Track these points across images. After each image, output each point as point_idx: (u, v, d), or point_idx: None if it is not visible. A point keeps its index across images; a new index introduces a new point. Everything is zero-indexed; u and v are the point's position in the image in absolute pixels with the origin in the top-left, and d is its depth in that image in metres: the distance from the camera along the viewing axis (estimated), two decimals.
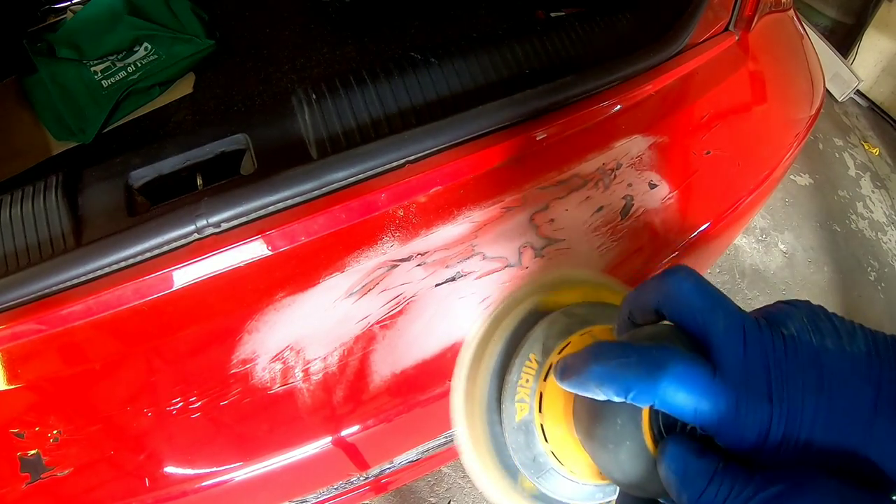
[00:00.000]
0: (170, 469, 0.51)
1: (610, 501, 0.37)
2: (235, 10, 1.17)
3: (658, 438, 0.26)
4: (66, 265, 0.50)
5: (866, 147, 2.12)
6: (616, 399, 0.25)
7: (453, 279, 0.56)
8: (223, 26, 1.10)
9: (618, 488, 0.33)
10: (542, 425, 0.34)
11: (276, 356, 0.52)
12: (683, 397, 0.24)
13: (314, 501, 0.77)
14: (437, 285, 0.55)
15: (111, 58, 1.00)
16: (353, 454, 0.59)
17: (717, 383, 0.24)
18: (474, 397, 0.39)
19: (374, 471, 0.77)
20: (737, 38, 0.70)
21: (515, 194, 0.58)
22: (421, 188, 0.56)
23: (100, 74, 0.99)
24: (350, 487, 0.79)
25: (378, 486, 0.85)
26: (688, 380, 0.24)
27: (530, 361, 0.37)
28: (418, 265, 0.55)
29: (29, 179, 0.59)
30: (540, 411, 0.35)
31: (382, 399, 0.55)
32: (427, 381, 0.56)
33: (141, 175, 0.61)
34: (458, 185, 0.57)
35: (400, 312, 0.55)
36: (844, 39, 2.13)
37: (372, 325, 0.54)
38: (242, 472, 0.53)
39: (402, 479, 0.92)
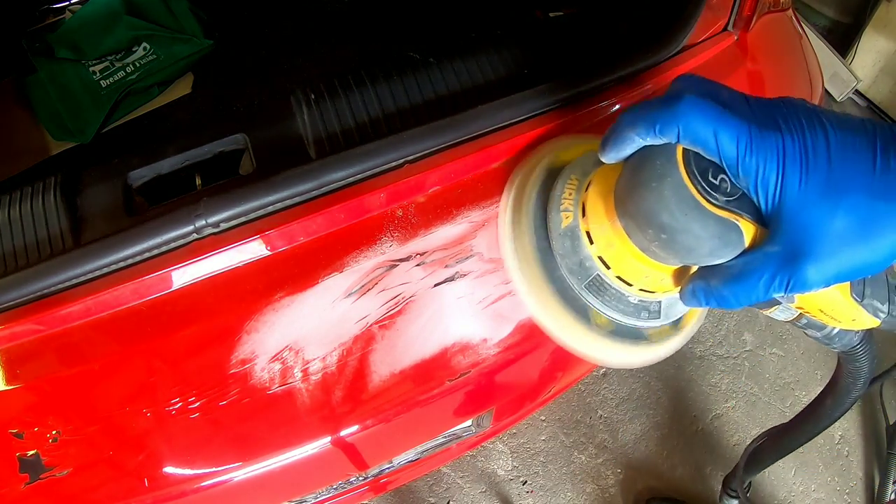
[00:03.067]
0: (169, 469, 0.51)
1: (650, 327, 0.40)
2: (235, 10, 1.17)
3: (692, 175, 0.29)
4: (65, 265, 0.50)
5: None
6: (648, 139, 0.30)
7: (452, 279, 0.56)
8: (222, 26, 1.10)
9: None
10: (587, 231, 0.37)
11: (275, 356, 0.52)
12: (702, 124, 0.27)
13: (313, 501, 0.77)
14: (435, 285, 0.55)
15: (110, 58, 1.00)
16: (353, 454, 0.59)
17: (730, 116, 0.27)
18: (521, 217, 0.42)
19: (373, 471, 0.77)
20: (735, 38, 0.70)
21: None
22: (420, 188, 0.56)
23: (98, 74, 0.99)
24: (349, 487, 0.79)
25: (377, 486, 0.85)
26: (703, 107, 0.28)
27: (571, 181, 0.40)
28: (417, 265, 0.55)
29: (28, 180, 0.59)
30: (584, 216, 0.37)
31: (381, 399, 0.55)
32: (426, 380, 0.56)
33: (140, 175, 0.61)
34: (457, 185, 0.57)
35: (399, 312, 0.55)
36: (843, 39, 2.13)
37: (371, 325, 0.54)
38: (241, 473, 0.53)
39: (401, 479, 0.92)
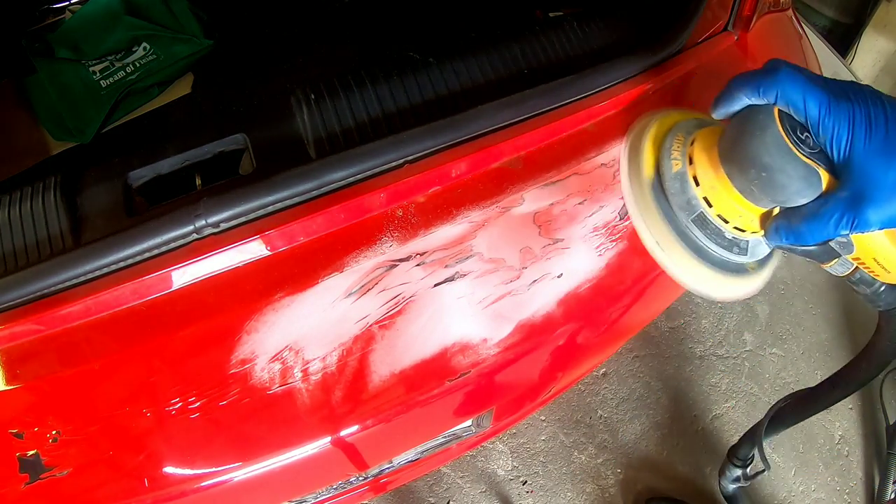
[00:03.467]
0: (169, 469, 0.51)
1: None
2: (234, 9, 1.16)
3: (787, 130, 0.38)
4: (65, 265, 0.50)
5: None
6: (752, 99, 0.39)
7: (452, 279, 0.56)
8: (222, 26, 1.10)
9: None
10: (694, 176, 0.46)
11: (274, 356, 0.52)
12: (795, 91, 0.37)
13: (313, 501, 0.77)
14: (435, 285, 0.55)
15: (110, 58, 1.00)
16: (352, 454, 0.59)
17: (814, 86, 0.37)
18: (638, 163, 0.51)
19: (373, 471, 0.77)
20: (735, 38, 0.70)
21: (514, 194, 0.58)
22: (420, 188, 0.56)
23: (98, 74, 0.99)
24: (349, 487, 0.79)
25: (377, 486, 0.85)
26: (796, 77, 0.37)
27: (678, 137, 0.49)
28: (417, 265, 0.55)
29: (27, 180, 0.59)
30: (691, 164, 0.47)
31: (381, 399, 0.55)
32: (426, 381, 0.56)
33: (139, 175, 0.61)
34: (457, 185, 0.57)
35: (399, 312, 0.55)
36: (843, 39, 2.13)
37: (371, 325, 0.54)
38: (241, 473, 0.53)
39: (401, 479, 0.92)
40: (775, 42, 0.78)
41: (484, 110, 0.57)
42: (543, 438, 1.44)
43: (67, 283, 0.51)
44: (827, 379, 0.82)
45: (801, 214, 0.39)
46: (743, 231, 0.46)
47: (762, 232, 0.45)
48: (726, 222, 0.45)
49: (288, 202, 0.54)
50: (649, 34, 0.67)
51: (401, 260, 0.55)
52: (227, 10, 1.16)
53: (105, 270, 0.51)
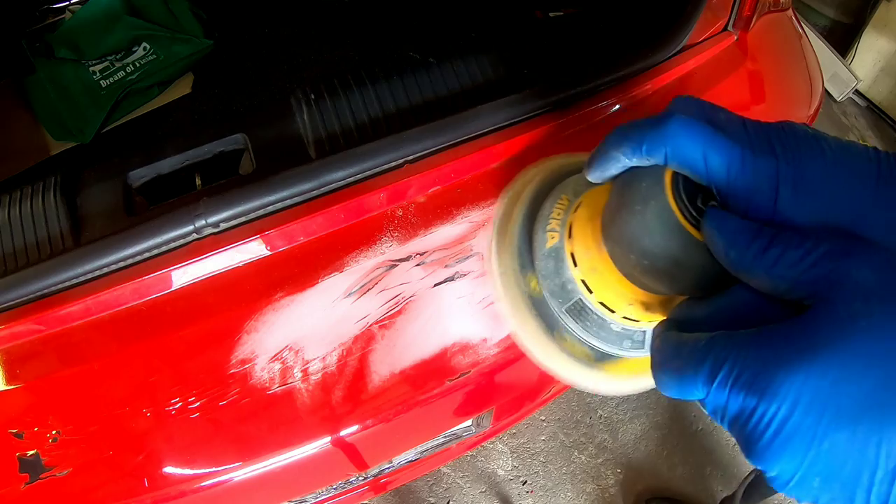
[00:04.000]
0: (169, 469, 0.51)
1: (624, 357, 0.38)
2: (234, 9, 1.17)
3: (679, 201, 0.27)
4: (65, 265, 0.50)
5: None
6: (634, 160, 0.28)
7: (452, 279, 0.56)
8: (222, 26, 1.10)
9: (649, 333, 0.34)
10: (571, 253, 0.36)
11: (274, 356, 0.52)
12: (691, 145, 0.26)
13: (313, 501, 0.77)
14: (435, 285, 0.55)
15: (110, 58, 1.00)
16: (353, 454, 0.59)
17: (722, 138, 0.25)
18: (506, 236, 0.41)
19: (373, 471, 0.77)
20: (735, 37, 0.70)
21: None
22: (419, 188, 0.56)
23: (98, 74, 0.99)
24: (349, 487, 0.79)
25: (377, 486, 0.85)
26: (693, 127, 0.26)
27: (561, 200, 0.39)
28: (417, 265, 0.55)
29: (28, 180, 0.59)
30: (570, 237, 0.36)
31: (381, 399, 0.55)
32: (426, 380, 0.56)
33: (140, 175, 0.61)
34: (457, 185, 0.57)
35: (399, 312, 0.55)
36: (843, 39, 2.13)
37: (371, 325, 0.54)
38: (241, 473, 0.53)
39: (401, 479, 0.92)
40: (775, 42, 0.78)
41: (484, 110, 0.57)
42: (543, 438, 1.44)
43: (67, 283, 0.51)
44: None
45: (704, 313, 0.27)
46: (636, 321, 0.35)
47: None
48: (612, 312, 0.35)
49: (288, 202, 0.54)
50: (649, 34, 0.67)
51: (401, 260, 0.55)
52: (227, 10, 1.16)
53: (105, 270, 0.51)
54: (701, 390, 0.24)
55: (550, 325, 0.38)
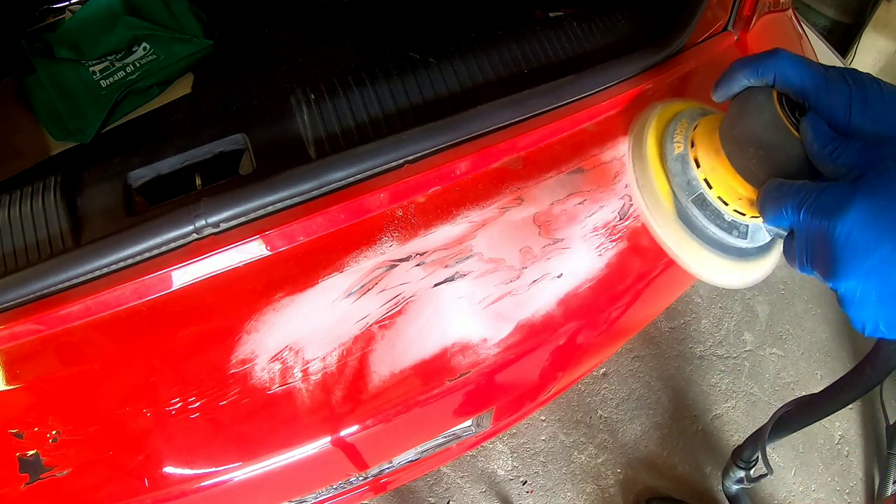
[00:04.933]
0: (169, 469, 0.51)
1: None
2: (234, 10, 1.17)
3: (785, 111, 0.39)
4: (65, 265, 0.50)
5: None
6: (752, 81, 0.40)
7: (452, 279, 0.56)
8: (222, 26, 1.10)
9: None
10: (695, 158, 0.47)
11: (274, 356, 0.52)
12: (793, 71, 0.38)
13: (313, 501, 0.78)
14: (435, 285, 0.55)
15: (110, 58, 1.00)
16: (353, 454, 0.59)
17: (812, 68, 0.38)
18: (641, 147, 0.52)
19: (373, 471, 0.77)
20: (735, 38, 0.70)
21: (514, 194, 0.58)
22: (420, 188, 0.56)
23: (98, 74, 0.99)
24: (349, 487, 0.79)
25: (377, 486, 0.85)
26: (794, 59, 0.38)
27: (682, 123, 0.50)
28: (417, 265, 0.55)
29: (28, 180, 0.59)
30: (692, 147, 0.48)
31: (381, 399, 0.55)
32: (426, 381, 0.56)
33: (139, 175, 0.61)
34: (457, 185, 0.57)
35: (399, 312, 0.55)
36: (843, 39, 2.13)
37: (371, 325, 0.54)
38: (241, 473, 0.53)
39: (401, 479, 0.92)
40: (775, 42, 0.78)
41: (484, 110, 0.57)
42: (543, 438, 1.44)
43: (67, 283, 0.51)
44: (832, 384, 0.82)
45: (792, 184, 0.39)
46: (743, 215, 0.46)
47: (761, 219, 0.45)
48: (726, 205, 0.46)
49: (288, 202, 0.54)
50: (649, 34, 0.67)
51: (401, 260, 0.55)
52: (227, 10, 1.16)
53: (105, 270, 0.51)
54: (791, 215, 0.35)
55: (680, 215, 0.49)
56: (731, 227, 0.47)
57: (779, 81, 0.39)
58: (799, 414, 0.89)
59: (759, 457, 1.00)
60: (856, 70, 0.37)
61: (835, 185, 0.34)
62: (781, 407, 0.92)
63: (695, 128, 0.49)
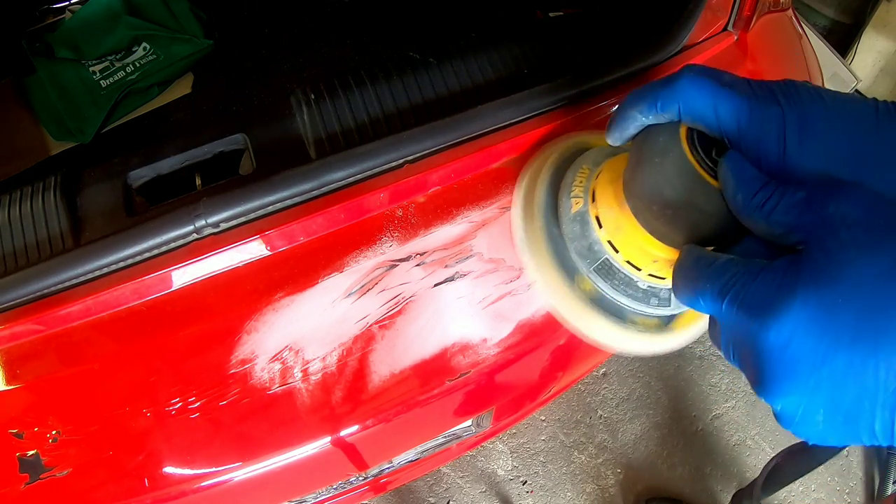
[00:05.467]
0: (169, 469, 0.51)
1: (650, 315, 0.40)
2: (234, 10, 1.17)
3: (695, 153, 0.29)
4: (65, 265, 0.50)
5: None
6: (650, 118, 0.31)
7: (452, 279, 0.56)
8: (222, 26, 1.10)
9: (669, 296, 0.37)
10: (596, 216, 0.38)
11: (274, 356, 0.52)
12: (701, 99, 0.28)
13: (313, 501, 0.77)
14: (435, 285, 0.55)
15: (110, 58, 1.00)
16: (352, 454, 0.59)
17: (730, 91, 0.28)
18: (532, 205, 0.43)
19: (373, 471, 0.77)
20: (735, 38, 0.70)
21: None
22: (420, 188, 0.56)
23: (98, 74, 0.99)
24: (349, 487, 0.79)
25: (377, 486, 0.85)
26: (702, 83, 0.28)
27: (582, 170, 0.41)
28: (417, 265, 0.55)
29: (28, 180, 0.59)
30: (593, 202, 0.39)
31: (381, 399, 0.55)
32: (426, 380, 0.56)
33: (140, 175, 0.61)
34: (457, 185, 0.57)
35: (399, 312, 0.55)
36: (843, 39, 2.13)
37: (371, 325, 0.54)
38: (241, 473, 0.53)
39: (401, 480, 0.92)
40: (775, 42, 0.78)
41: (484, 110, 0.57)
42: (543, 438, 1.44)
43: (67, 283, 0.51)
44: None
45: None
46: (661, 279, 0.37)
47: None
48: (638, 270, 0.37)
49: (288, 202, 0.54)
50: (649, 34, 0.67)
51: (401, 260, 0.55)
52: (227, 10, 1.16)
53: (105, 270, 0.51)
54: (710, 305, 0.27)
55: (578, 286, 0.40)
56: (647, 296, 0.38)
57: (685, 115, 0.29)
58: (792, 464, 0.86)
59: None
60: (791, 82, 0.28)
61: (768, 268, 0.25)
62: (772, 458, 0.88)
63: (597, 175, 0.40)
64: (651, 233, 0.34)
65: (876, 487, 1.46)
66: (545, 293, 0.41)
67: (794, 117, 0.26)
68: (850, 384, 0.21)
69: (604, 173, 0.39)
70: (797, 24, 0.85)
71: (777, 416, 0.25)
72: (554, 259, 0.40)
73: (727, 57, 0.69)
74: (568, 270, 0.40)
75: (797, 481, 1.44)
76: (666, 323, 0.41)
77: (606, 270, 0.38)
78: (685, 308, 0.40)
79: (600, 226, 0.38)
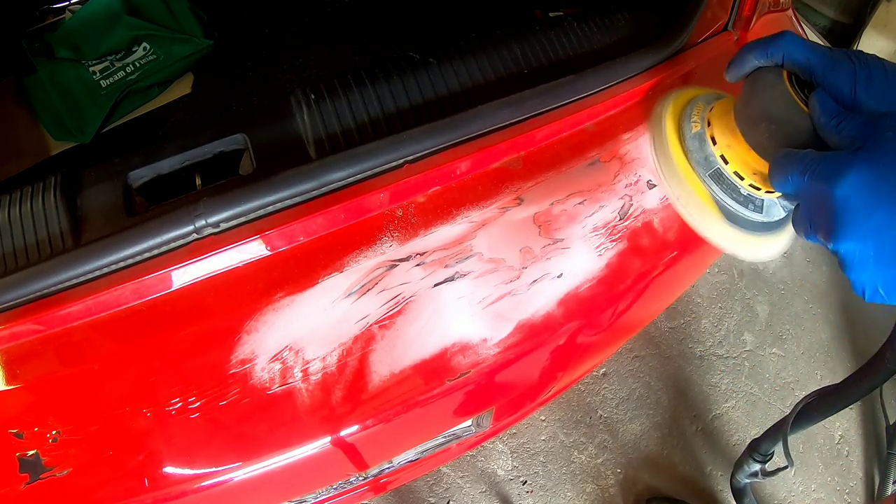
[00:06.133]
0: (169, 469, 0.51)
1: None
2: (234, 10, 1.17)
3: (794, 88, 0.41)
4: (65, 265, 0.50)
5: None
6: (762, 61, 0.43)
7: (452, 279, 0.56)
8: (222, 26, 1.10)
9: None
10: (711, 136, 0.50)
11: (274, 356, 0.52)
12: (800, 51, 0.40)
13: (313, 501, 0.78)
14: (435, 285, 0.55)
15: (110, 58, 1.00)
16: (352, 454, 0.59)
17: (818, 47, 0.40)
18: (661, 129, 0.54)
19: (373, 471, 0.77)
20: (735, 38, 0.70)
21: (514, 194, 0.58)
22: (420, 188, 0.56)
23: (98, 74, 0.99)
24: (349, 487, 0.79)
25: (377, 486, 0.85)
26: (800, 41, 0.41)
27: (698, 106, 0.53)
28: (417, 265, 0.55)
29: (28, 180, 0.59)
30: (709, 126, 0.50)
31: (381, 399, 0.55)
32: (426, 381, 0.56)
33: (139, 175, 0.61)
34: (457, 185, 0.57)
35: (399, 312, 0.55)
36: (843, 39, 2.13)
37: (371, 325, 0.54)
38: (241, 473, 0.53)
39: (401, 479, 0.92)
40: None
41: (484, 110, 0.57)
42: (543, 438, 1.44)
43: (67, 283, 0.51)
44: (853, 373, 0.82)
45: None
46: (758, 189, 0.48)
47: (776, 194, 0.49)
48: (742, 179, 0.48)
49: (288, 202, 0.54)
50: (649, 34, 0.67)
51: (401, 260, 0.55)
52: (227, 10, 1.16)
53: (105, 270, 0.51)
54: (796, 180, 0.37)
55: (697, 188, 0.51)
56: (746, 201, 0.50)
57: (787, 61, 0.41)
58: (822, 403, 0.90)
59: (781, 449, 1.00)
60: (861, 51, 0.39)
61: (836, 153, 0.36)
62: (805, 397, 0.92)
63: (710, 109, 0.51)
64: (754, 148, 0.45)
65: (876, 487, 1.46)
66: (672, 193, 0.52)
67: (862, 71, 0.38)
68: (892, 230, 0.32)
69: (716, 107, 0.51)
70: (797, 24, 0.85)
71: (841, 264, 0.35)
72: (679, 167, 0.51)
73: (727, 57, 0.69)
74: (689, 175, 0.51)
75: (797, 481, 1.44)
76: (759, 230, 0.52)
77: (718, 177, 0.49)
78: (775, 217, 0.51)
79: (714, 143, 0.49)
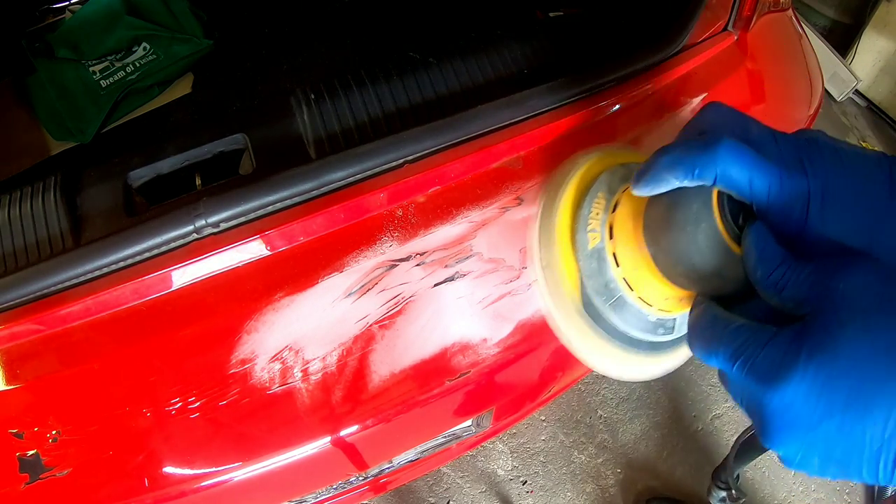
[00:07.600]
0: (169, 469, 0.51)
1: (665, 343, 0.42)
2: (234, 9, 1.17)
3: (726, 222, 0.31)
4: (65, 265, 0.50)
5: (865, 146, 2.12)
6: (685, 182, 0.31)
7: (452, 279, 0.56)
8: (222, 26, 1.10)
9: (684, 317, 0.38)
10: (613, 253, 0.39)
11: (274, 356, 0.52)
12: (739, 170, 0.29)
13: (313, 501, 0.77)
14: (435, 285, 0.55)
15: (110, 58, 1.00)
16: (352, 454, 0.59)
17: (762, 160, 0.29)
18: (550, 232, 0.43)
19: (373, 471, 0.77)
20: (735, 37, 0.70)
21: (514, 194, 0.58)
22: (419, 188, 0.56)
23: (98, 74, 0.99)
24: (349, 487, 0.79)
25: (377, 486, 0.85)
26: (740, 153, 0.29)
27: (598, 199, 0.41)
28: (417, 265, 0.55)
29: (28, 180, 0.59)
30: (611, 238, 0.39)
31: (381, 399, 0.55)
32: (426, 380, 0.56)
33: (140, 175, 0.61)
34: (457, 185, 0.57)
35: (399, 312, 0.55)
36: (843, 39, 2.13)
37: (371, 325, 0.54)
38: (241, 473, 0.53)
39: (401, 479, 0.92)
40: (775, 42, 0.78)
41: (484, 110, 0.57)
42: (543, 438, 1.44)
43: (67, 283, 0.51)
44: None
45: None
46: (669, 311, 0.39)
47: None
48: (650, 305, 0.38)
49: (288, 202, 0.54)
50: (649, 34, 0.67)
51: (401, 260, 0.55)
52: (227, 9, 1.16)
53: (105, 270, 0.51)
54: (722, 363, 0.29)
55: (595, 319, 0.41)
56: (655, 327, 0.40)
57: (720, 183, 0.30)
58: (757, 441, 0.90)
59: (731, 482, 1.01)
60: (814, 141, 0.30)
61: (775, 340, 0.27)
62: (744, 431, 0.92)
63: (614, 208, 0.40)
64: (669, 280, 0.35)
65: (876, 487, 1.46)
66: (558, 321, 0.42)
67: (817, 188, 0.28)
68: (840, 442, 0.25)
69: (621, 206, 0.39)
70: (797, 24, 0.85)
71: (780, 459, 0.28)
72: (570, 299, 0.41)
73: (727, 57, 0.69)
74: (583, 303, 0.41)
75: (797, 481, 1.44)
76: (666, 348, 0.43)
77: (620, 305, 0.39)
78: (684, 333, 0.41)
79: (617, 264, 0.38)
